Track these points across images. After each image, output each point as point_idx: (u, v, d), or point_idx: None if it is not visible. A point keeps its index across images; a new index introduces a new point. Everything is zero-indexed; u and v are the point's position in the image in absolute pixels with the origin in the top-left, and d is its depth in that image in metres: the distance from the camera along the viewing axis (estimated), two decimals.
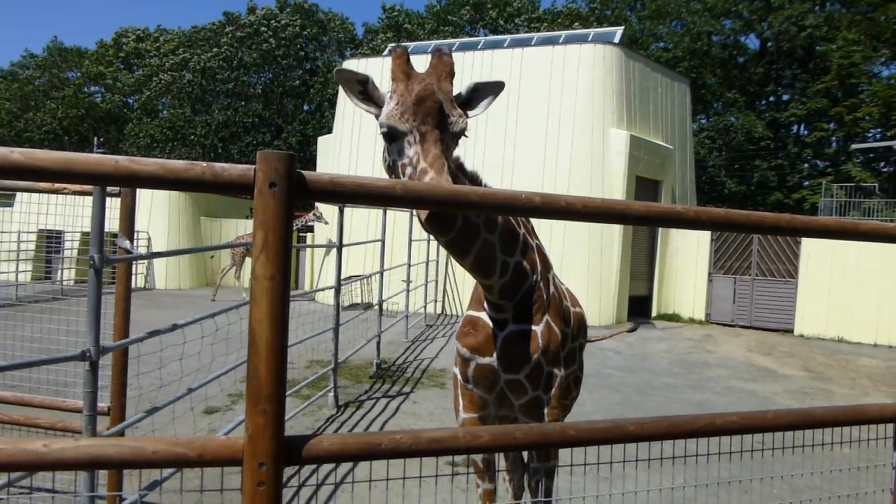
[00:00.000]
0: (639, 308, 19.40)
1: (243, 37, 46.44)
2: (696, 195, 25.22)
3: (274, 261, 1.57)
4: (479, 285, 3.26)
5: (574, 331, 3.70)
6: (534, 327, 3.19)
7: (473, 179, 3.04)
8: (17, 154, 1.55)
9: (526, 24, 44.36)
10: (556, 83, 18.87)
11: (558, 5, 47.32)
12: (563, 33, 23.65)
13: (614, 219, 2.02)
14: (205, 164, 1.60)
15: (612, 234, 17.94)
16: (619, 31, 22.05)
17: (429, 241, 16.92)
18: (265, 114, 46.81)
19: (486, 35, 40.22)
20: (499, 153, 18.97)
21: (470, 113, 2.73)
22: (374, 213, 18.60)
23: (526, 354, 3.16)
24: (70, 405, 4.88)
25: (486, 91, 2.77)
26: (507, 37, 25.08)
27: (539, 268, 3.27)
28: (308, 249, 23.10)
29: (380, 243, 11.54)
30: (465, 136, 2.61)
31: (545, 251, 3.47)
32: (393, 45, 2.76)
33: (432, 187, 1.76)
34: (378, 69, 21.49)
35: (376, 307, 11.47)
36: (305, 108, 49.44)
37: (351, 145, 21.29)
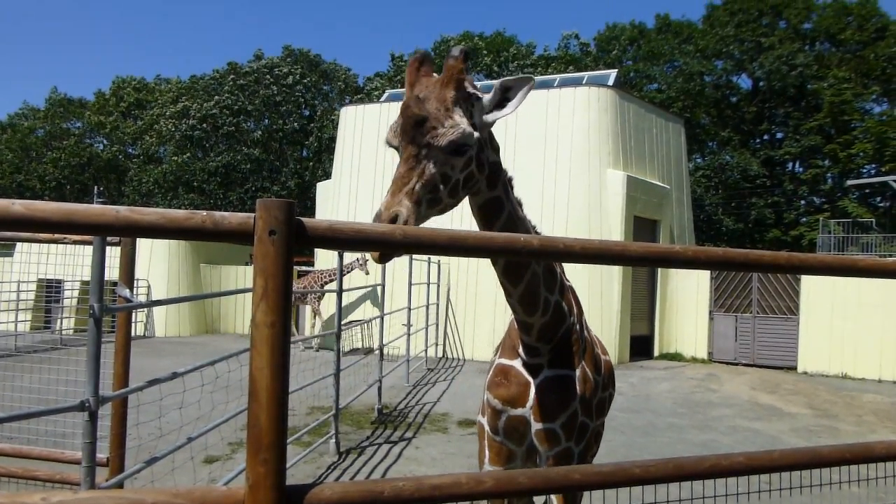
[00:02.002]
0: (640, 348, 19.31)
1: (244, 84, 47.05)
2: (695, 234, 25.30)
3: (274, 308, 1.57)
4: (511, 331, 3.14)
5: (604, 379, 3.49)
6: (570, 372, 3.03)
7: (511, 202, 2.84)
8: (18, 206, 1.56)
9: (521, 69, 44.98)
10: (553, 126, 19.08)
11: (552, 50, 48.00)
12: (558, 77, 23.98)
13: (613, 260, 2.02)
14: (205, 213, 1.61)
15: (612, 274, 17.95)
16: (612, 74, 22.36)
17: (429, 285, 16.91)
18: (264, 159, 47.18)
19: (482, 80, 40.76)
20: None
21: (500, 112, 2.52)
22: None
23: (563, 402, 2.97)
24: (69, 457, 4.83)
25: (516, 88, 2.51)
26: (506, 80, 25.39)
27: (575, 310, 3.16)
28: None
29: (380, 287, 11.53)
30: (467, 146, 2.37)
31: (576, 293, 3.34)
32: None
33: (430, 233, 1.77)
34: (375, 115, 21.76)
35: (377, 352, 11.42)
36: (304, 153, 49.84)
37: (350, 190, 21.42)
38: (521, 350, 3.07)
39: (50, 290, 21.00)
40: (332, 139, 32.91)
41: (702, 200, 39.46)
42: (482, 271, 18.02)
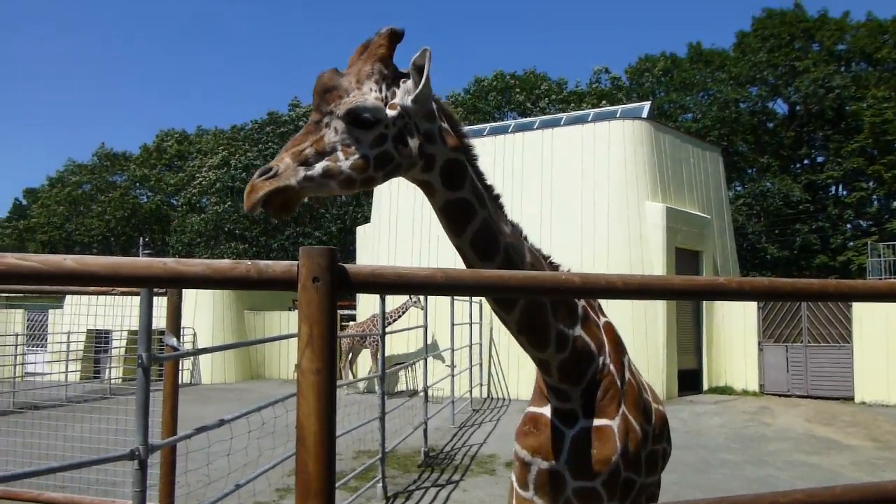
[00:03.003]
0: (689, 382, 18.90)
1: (284, 133, 48.07)
2: (739, 263, 24.87)
3: (319, 354, 1.58)
4: (538, 375, 2.92)
5: (656, 430, 3.13)
6: (609, 422, 2.74)
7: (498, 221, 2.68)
8: (69, 261, 1.60)
9: (553, 105, 45.21)
10: (588, 161, 19.07)
11: (583, 86, 48.17)
12: (592, 111, 24.03)
13: (655, 295, 2.00)
14: (249, 262, 1.63)
15: (656, 308, 17.69)
16: (646, 106, 22.33)
17: (471, 325, 16.87)
18: (306, 205, 47.91)
19: (514, 118, 41.03)
20: (535, 233, 18.99)
21: (417, 89, 2.33)
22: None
23: (603, 456, 2.70)
24: None
25: (422, 63, 2.34)
26: (537, 119, 25.56)
27: (607, 348, 2.87)
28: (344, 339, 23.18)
29: (422, 329, 11.53)
30: (373, 120, 2.24)
31: (617, 331, 3.03)
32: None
33: (474, 274, 1.77)
34: None
35: (421, 394, 11.37)
36: (343, 198, 50.53)
37: (389, 234, 21.59)
38: (549, 394, 2.85)
39: (99, 341, 21.45)
40: None
41: (744, 229, 38.86)
42: None
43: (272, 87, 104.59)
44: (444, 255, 20.23)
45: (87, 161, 59.40)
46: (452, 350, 14.23)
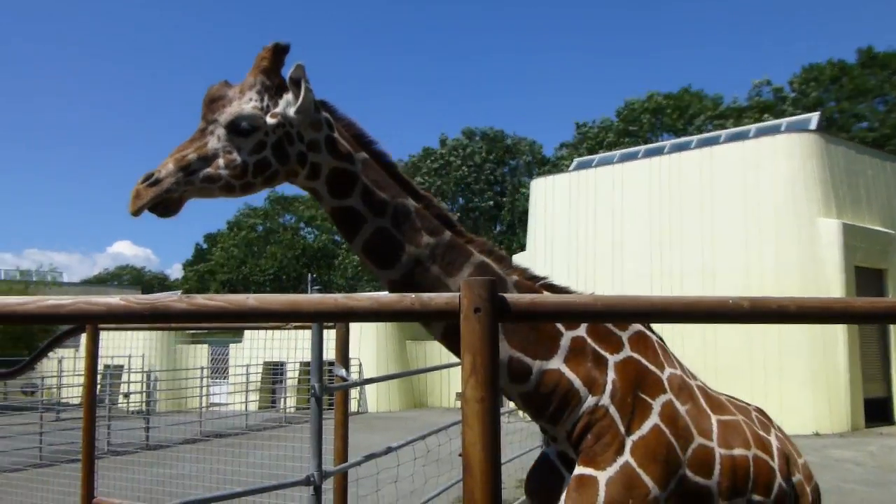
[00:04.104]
0: (877, 411, 17.29)
1: (438, 167, 49.53)
2: None
3: (483, 383, 1.61)
4: None
5: (730, 485, 2.62)
6: (594, 472, 2.42)
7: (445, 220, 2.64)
8: (251, 300, 1.74)
9: (709, 122, 43.50)
10: (751, 178, 18.15)
11: (741, 101, 46.02)
12: (753, 127, 22.90)
13: (835, 319, 1.87)
14: (413, 295, 1.70)
15: (835, 332, 16.40)
16: (814, 118, 20.98)
17: None
18: None
19: (670, 139, 39.90)
20: (696, 257, 18.38)
21: (297, 102, 2.37)
22: None
23: None
24: None
25: (298, 77, 2.38)
26: (693, 138, 24.70)
27: (609, 388, 2.52)
28: None
29: None
30: (250, 128, 2.32)
31: (643, 370, 2.62)
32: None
33: (632, 301, 1.75)
34: (566, 185, 21.93)
35: None
36: (498, 228, 51.11)
37: (544, 261, 21.54)
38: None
39: (274, 372, 22.79)
40: (525, 212, 33.57)
41: None
42: (687, 334, 17.24)
43: (424, 123, 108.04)
44: (600, 280, 19.89)
45: (259, 205, 63.90)
46: None
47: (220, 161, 2.30)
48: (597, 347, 2.57)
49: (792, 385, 16.35)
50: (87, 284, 65.03)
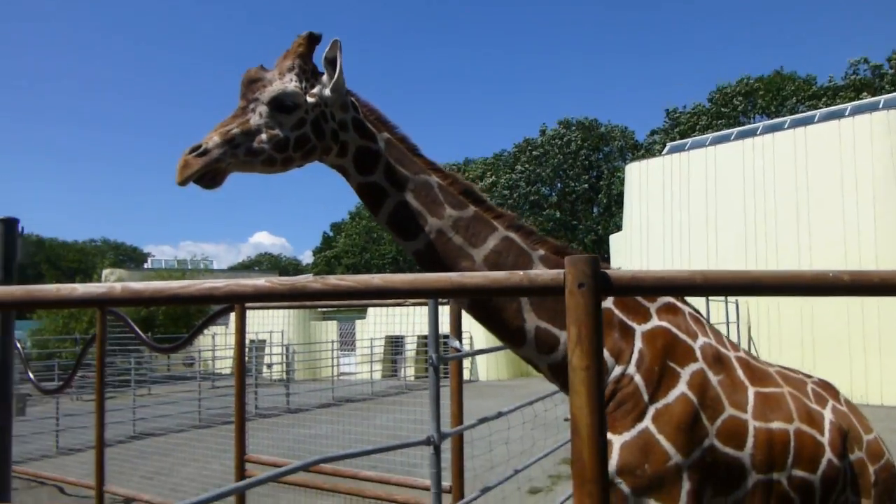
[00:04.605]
0: None
1: (538, 156, 49.18)
2: None
3: (588, 352, 1.59)
4: None
5: (758, 458, 2.39)
6: (610, 436, 2.27)
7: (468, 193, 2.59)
8: (377, 280, 1.78)
9: (802, 103, 40.87)
10: (848, 156, 16.99)
11: (837, 80, 42.88)
12: (849, 105, 21.41)
13: None
14: (521, 273, 1.69)
15: None
16: None
17: (727, 324, 15.76)
18: (562, 219, 48.37)
19: (763, 120, 37.75)
20: (791, 235, 17.42)
21: (332, 80, 2.39)
22: None
23: None
24: (420, 483, 5.25)
25: (334, 55, 2.40)
26: (787, 118, 23.30)
27: (634, 356, 2.40)
28: None
29: None
30: (293, 105, 2.31)
31: (673, 338, 2.46)
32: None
33: (732, 275, 1.67)
34: (659, 168, 21.23)
35: None
36: (595, 210, 50.19)
37: (640, 240, 20.98)
38: None
39: (395, 345, 23.32)
40: (620, 195, 32.77)
41: None
42: (784, 308, 16.38)
43: (525, 114, 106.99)
44: (695, 259, 19.19)
45: None
46: None
47: (263, 136, 2.28)
48: (624, 318, 2.47)
49: (891, 358, 15.27)
50: (232, 270, 68.54)
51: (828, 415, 2.65)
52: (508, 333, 2.53)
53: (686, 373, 2.40)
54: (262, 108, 2.30)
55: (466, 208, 2.54)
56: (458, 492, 4.74)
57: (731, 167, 19.31)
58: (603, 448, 1.59)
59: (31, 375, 8.89)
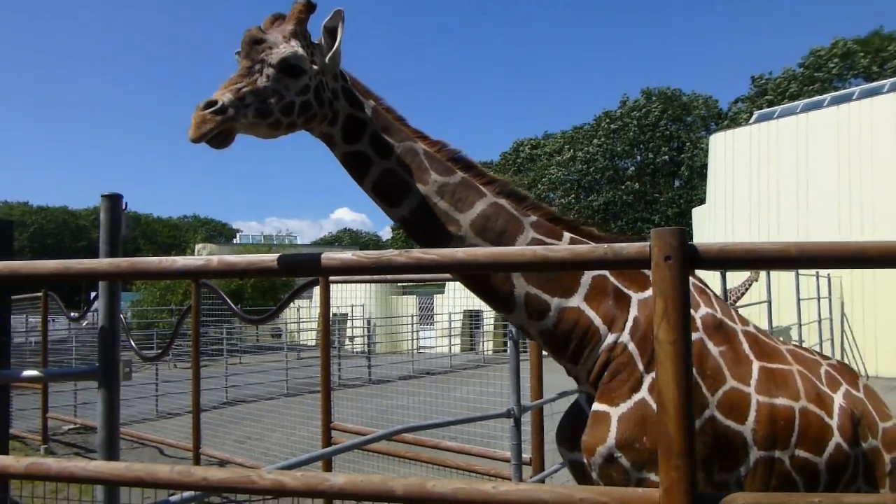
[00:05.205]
0: None
1: (616, 129, 48.01)
2: None
3: (675, 326, 1.56)
4: None
5: (761, 432, 2.31)
6: (607, 408, 2.28)
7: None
8: (460, 253, 1.80)
9: None
10: None
11: None
12: None
13: None
14: (606, 246, 1.68)
15: None
16: None
17: (819, 300, 15.09)
18: (641, 192, 47.20)
19: (861, 84, 35.55)
20: (892, 209, 16.43)
21: (331, 50, 2.34)
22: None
23: (588, 444, 2.30)
24: (500, 455, 5.30)
25: (335, 25, 2.36)
26: (886, 81, 21.82)
27: (628, 324, 2.36)
28: None
29: (766, 304, 10.62)
30: (300, 69, 2.24)
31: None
32: None
33: (833, 247, 1.60)
34: (746, 138, 20.36)
35: None
36: (676, 182, 48.68)
37: (725, 213, 20.25)
38: None
39: (473, 319, 23.45)
40: (704, 166, 31.61)
41: None
42: (881, 281, 15.51)
43: (604, 85, 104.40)
44: (784, 233, 18.38)
45: None
46: (799, 325, 12.86)
47: (272, 99, 2.22)
48: (619, 286, 2.43)
49: None
50: (315, 245, 70.30)
51: (838, 399, 2.52)
52: (497, 299, 2.49)
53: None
54: (270, 71, 2.23)
55: (453, 174, 2.52)
56: (537, 464, 4.77)
57: (825, 135, 18.27)
58: (690, 422, 1.57)
59: (133, 343, 9.43)
